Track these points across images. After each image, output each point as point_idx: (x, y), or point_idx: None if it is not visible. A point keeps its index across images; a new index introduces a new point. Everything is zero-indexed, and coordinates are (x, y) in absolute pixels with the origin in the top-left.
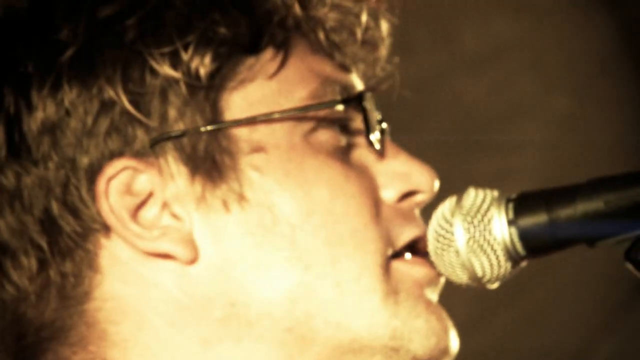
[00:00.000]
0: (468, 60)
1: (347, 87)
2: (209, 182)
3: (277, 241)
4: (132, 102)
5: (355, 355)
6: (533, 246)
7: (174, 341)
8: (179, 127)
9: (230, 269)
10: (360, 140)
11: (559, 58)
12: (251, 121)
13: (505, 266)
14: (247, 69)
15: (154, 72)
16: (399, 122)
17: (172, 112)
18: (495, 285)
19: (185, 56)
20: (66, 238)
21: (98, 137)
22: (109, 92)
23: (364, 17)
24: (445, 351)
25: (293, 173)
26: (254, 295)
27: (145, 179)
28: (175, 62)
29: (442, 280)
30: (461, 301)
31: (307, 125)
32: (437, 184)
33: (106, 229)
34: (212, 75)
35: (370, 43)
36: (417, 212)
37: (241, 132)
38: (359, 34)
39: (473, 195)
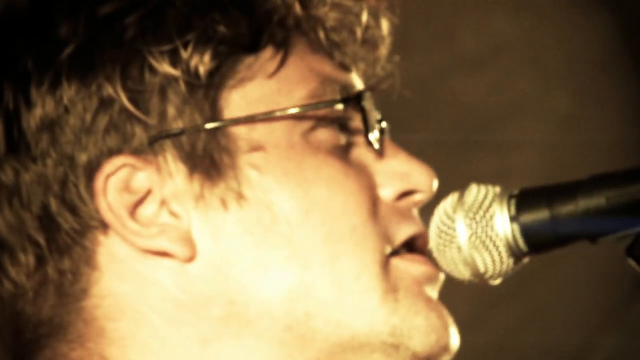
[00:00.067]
0: (468, 59)
1: (346, 87)
2: (207, 180)
3: (276, 240)
4: (131, 100)
5: (355, 352)
6: (535, 242)
7: (173, 339)
8: (178, 125)
9: (229, 268)
10: (360, 139)
11: (558, 57)
12: (250, 120)
13: (508, 262)
14: (246, 68)
15: (153, 70)
16: (398, 122)
17: (171, 110)
18: (497, 282)
19: (184, 54)
20: (64, 235)
21: (97, 135)
22: (108, 90)
23: (364, 16)
24: (445, 348)
25: (292, 172)
26: (253, 294)
27: (143, 177)
28: (175, 60)
29: (442, 277)
30: (462, 298)
31: (306, 124)
32: (435, 184)
33: (104, 226)
34: (211, 74)
35: (370, 42)
36: (415, 211)
37: (240, 131)
38: (359, 33)
39: (475, 191)
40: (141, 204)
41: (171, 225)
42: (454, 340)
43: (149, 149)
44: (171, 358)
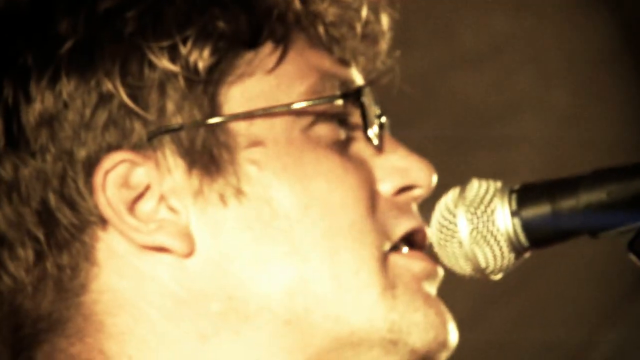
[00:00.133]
0: (468, 57)
1: (346, 82)
2: (206, 175)
3: (275, 235)
4: (131, 96)
5: (354, 348)
6: (536, 237)
7: (171, 335)
8: (177, 120)
9: (228, 263)
10: (359, 134)
11: (558, 55)
12: (249, 115)
13: (509, 257)
14: (246, 64)
15: (152, 66)
16: (398, 118)
17: (170, 106)
18: (498, 276)
19: (184, 50)
20: (63, 230)
21: (96, 130)
22: (108, 85)
23: (364, 12)
24: (444, 344)
25: (291, 167)
26: (252, 290)
27: (142, 172)
28: (174, 56)
29: (441, 273)
30: (462, 295)
31: (305, 120)
32: (435, 179)
33: (103, 221)
34: (210, 70)
35: (370, 37)
36: (414, 206)
37: (239, 127)
38: (358, 28)
39: (476, 186)
40: (140, 200)
41: (170, 221)
42: (453, 336)
43: (148, 144)
44: (170, 353)
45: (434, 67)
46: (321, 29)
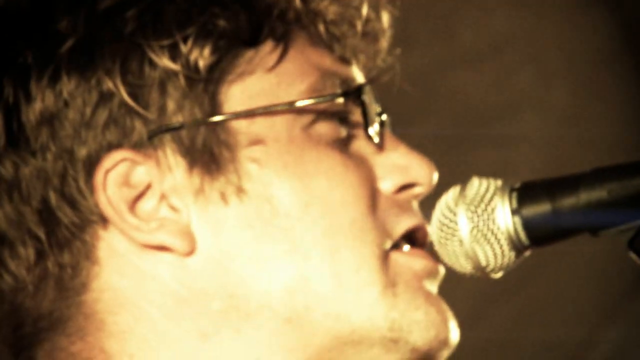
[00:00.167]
0: (468, 55)
1: (346, 80)
2: (207, 174)
3: (275, 233)
4: (131, 94)
5: (355, 346)
6: (536, 235)
7: (172, 333)
8: (178, 119)
9: (229, 262)
10: (360, 131)
11: (558, 53)
12: (250, 114)
13: (509, 255)
14: (246, 62)
15: (153, 64)
16: (398, 116)
17: (170, 105)
18: (499, 275)
19: (184, 49)
20: (64, 229)
21: (96, 129)
22: (108, 84)
23: (365, 10)
24: (445, 343)
25: (292, 165)
26: (253, 288)
27: (143, 171)
28: (175, 55)
29: (442, 271)
30: (462, 294)
31: (306, 118)
32: (435, 177)
33: (104, 220)
34: (211, 68)
35: (370, 35)
36: (415, 204)
37: (240, 125)
38: (359, 26)
39: (477, 185)
40: (141, 199)
41: (171, 220)
42: (454, 334)
43: (148, 143)
44: (171, 352)
45: (434, 66)
46: (322, 27)
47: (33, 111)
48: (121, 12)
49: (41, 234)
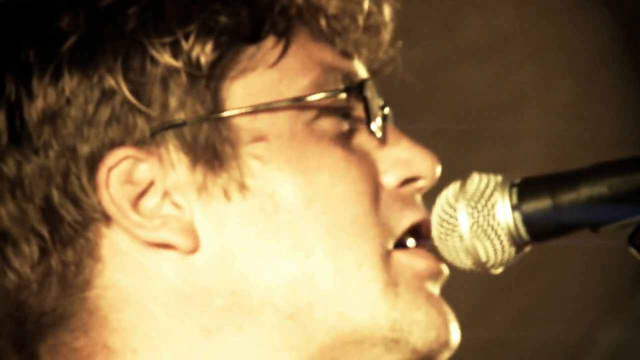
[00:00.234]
0: (470, 51)
1: (349, 75)
2: (209, 171)
3: (278, 229)
4: (133, 92)
5: (356, 346)
6: (537, 231)
7: (175, 330)
8: (180, 116)
9: (232, 258)
10: (363, 126)
11: (561, 48)
12: (252, 110)
13: (509, 251)
14: (248, 58)
15: (154, 62)
16: (401, 111)
17: (173, 102)
18: (499, 271)
19: (186, 45)
20: (67, 227)
21: (99, 126)
22: (110, 81)
23: (366, 3)
24: (445, 344)
25: (294, 161)
26: (255, 284)
27: (145, 168)
28: (176, 52)
29: (446, 272)
30: (462, 294)
31: (308, 114)
32: (438, 170)
33: (107, 218)
34: (212, 65)
35: (372, 28)
36: (418, 197)
37: (242, 121)
38: (360, 20)
39: (477, 180)
40: (144, 196)
41: (174, 217)
42: (455, 336)
43: (151, 140)
44: (173, 348)
45: (435, 62)
46: (323, 22)
47: (35, 109)
48: (122, 10)
49: (44, 231)
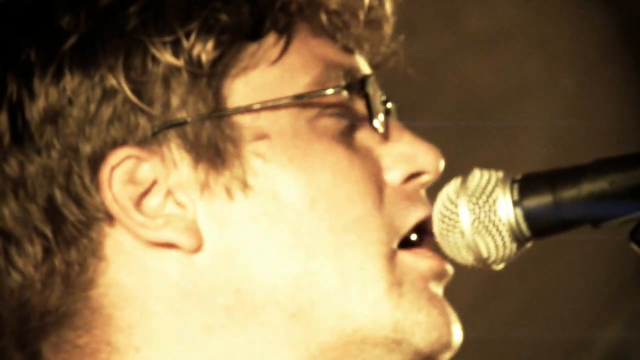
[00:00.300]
0: (474, 43)
1: (350, 71)
2: (212, 169)
3: (281, 228)
4: (134, 91)
5: (358, 346)
6: (538, 227)
7: (178, 328)
8: (182, 115)
9: (235, 257)
10: (365, 122)
11: (563, 43)
12: (254, 108)
13: (511, 247)
14: (249, 56)
15: (155, 60)
16: (403, 105)
17: (174, 100)
18: (500, 266)
19: (187, 44)
20: (70, 226)
21: (100, 125)
22: (111, 81)
23: None
24: (447, 345)
25: (297, 159)
26: (258, 282)
27: (148, 168)
28: (177, 50)
29: (450, 271)
30: (459, 293)
31: (310, 111)
32: (442, 164)
33: (110, 217)
34: (214, 63)
35: (374, 22)
36: (422, 192)
37: (244, 120)
38: (361, 15)
39: (478, 176)
40: (146, 195)
41: (177, 216)
42: (456, 337)
43: (153, 139)
44: (177, 346)
45: (439, 55)
46: (324, 18)
47: (37, 109)
48: (123, 9)
49: (48, 231)
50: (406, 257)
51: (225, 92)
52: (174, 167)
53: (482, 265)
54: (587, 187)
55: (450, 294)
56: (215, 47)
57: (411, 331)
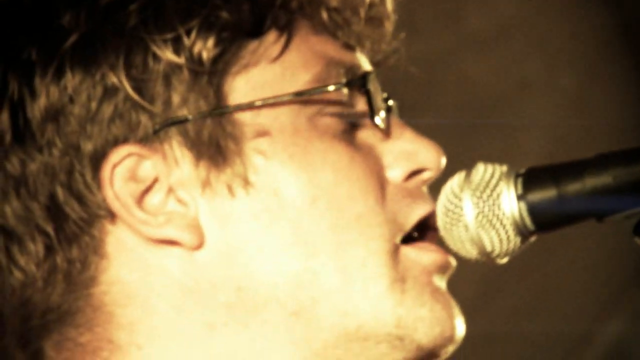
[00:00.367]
0: (473, 41)
1: (352, 68)
2: (213, 166)
3: (282, 226)
4: (136, 89)
5: (361, 343)
6: (542, 221)
7: (180, 325)
8: (183, 112)
9: (236, 254)
10: (366, 120)
11: (564, 40)
12: (255, 105)
13: (515, 241)
14: (250, 53)
15: (156, 58)
16: (404, 103)
17: (175, 98)
18: (504, 260)
19: (187, 42)
20: (72, 224)
21: (102, 123)
22: (112, 79)
23: None
24: (450, 339)
25: (298, 157)
26: (260, 280)
27: (149, 165)
28: (178, 48)
29: (453, 264)
30: (462, 285)
31: (311, 109)
32: (443, 161)
33: (112, 215)
34: (215, 60)
35: (374, 20)
36: (424, 189)
37: (245, 117)
38: (362, 12)
39: (482, 170)
40: (148, 193)
41: (178, 213)
42: (459, 330)
43: (154, 137)
44: (178, 344)
45: (439, 52)
46: (325, 15)
47: (38, 107)
48: (123, 7)
49: (49, 229)
50: (409, 252)
51: (226, 89)
52: (176, 165)
53: (486, 259)
54: (591, 182)
55: (453, 289)
56: (216, 44)
57: (414, 327)
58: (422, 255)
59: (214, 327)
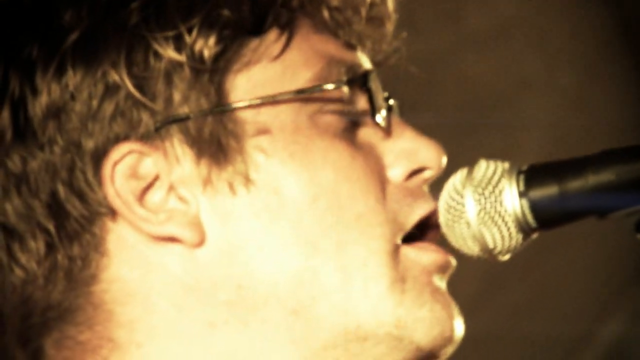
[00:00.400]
0: (474, 40)
1: (352, 67)
2: (214, 164)
3: (283, 225)
4: (137, 86)
5: (360, 343)
6: (544, 218)
7: (180, 323)
8: (184, 110)
9: (237, 252)
10: (367, 119)
11: (564, 38)
12: (256, 103)
13: (517, 238)
14: (251, 51)
15: (158, 56)
16: (404, 103)
17: (176, 96)
18: (506, 257)
19: (189, 39)
20: (73, 222)
21: (103, 121)
22: (114, 76)
23: None
24: (449, 339)
25: (298, 155)
26: (260, 278)
27: (150, 163)
28: (179, 46)
29: (453, 263)
30: (461, 284)
31: (312, 107)
32: (444, 160)
33: (113, 212)
34: (216, 58)
35: (376, 19)
36: (425, 188)
37: (246, 115)
38: (363, 11)
39: (484, 167)
40: (149, 190)
41: (179, 211)
42: (458, 331)
43: (155, 134)
44: (178, 342)
45: (440, 52)
46: (326, 14)
47: (39, 105)
48: (125, 4)
49: (51, 227)
50: (409, 252)
51: (228, 87)
52: (177, 162)
53: (488, 256)
54: (593, 179)
55: (454, 286)
56: (217, 42)
57: (413, 327)
58: (422, 255)
59: (214, 325)
